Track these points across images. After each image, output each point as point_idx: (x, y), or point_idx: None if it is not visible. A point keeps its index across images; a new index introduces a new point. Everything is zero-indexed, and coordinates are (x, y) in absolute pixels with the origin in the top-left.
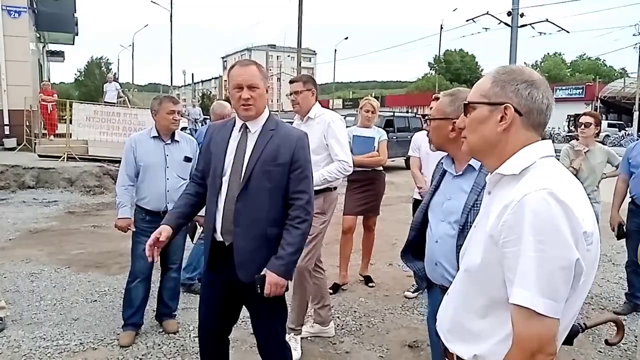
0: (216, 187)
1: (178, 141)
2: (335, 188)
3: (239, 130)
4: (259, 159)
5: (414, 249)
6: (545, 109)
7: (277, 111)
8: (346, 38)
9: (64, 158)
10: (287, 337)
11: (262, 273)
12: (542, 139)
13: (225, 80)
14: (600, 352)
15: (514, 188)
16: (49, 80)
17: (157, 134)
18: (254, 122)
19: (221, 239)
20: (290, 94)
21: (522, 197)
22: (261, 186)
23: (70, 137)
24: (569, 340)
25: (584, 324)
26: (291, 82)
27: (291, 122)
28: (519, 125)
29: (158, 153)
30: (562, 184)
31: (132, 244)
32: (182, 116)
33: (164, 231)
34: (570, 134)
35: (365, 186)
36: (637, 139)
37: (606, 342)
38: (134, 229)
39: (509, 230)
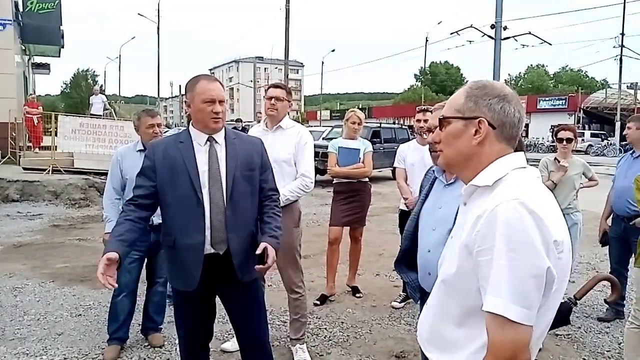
0: (194, 202)
1: None
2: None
3: (205, 144)
4: (237, 167)
5: (408, 259)
6: (517, 122)
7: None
8: (333, 50)
9: (49, 171)
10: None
11: (262, 248)
12: (515, 151)
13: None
14: (584, 359)
15: (487, 199)
16: (34, 93)
17: (142, 148)
18: (219, 134)
19: (212, 250)
20: (270, 98)
21: (495, 208)
22: (243, 191)
23: (56, 149)
24: (565, 319)
25: (574, 296)
26: (275, 86)
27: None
28: (492, 138)
29: None
30: (532, 194)
31: None
32: (168, 128)
33: (109, 260)
34: (554, 143)
35: (351, 197)
36: (620, 149)
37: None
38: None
39: (482, 240)
